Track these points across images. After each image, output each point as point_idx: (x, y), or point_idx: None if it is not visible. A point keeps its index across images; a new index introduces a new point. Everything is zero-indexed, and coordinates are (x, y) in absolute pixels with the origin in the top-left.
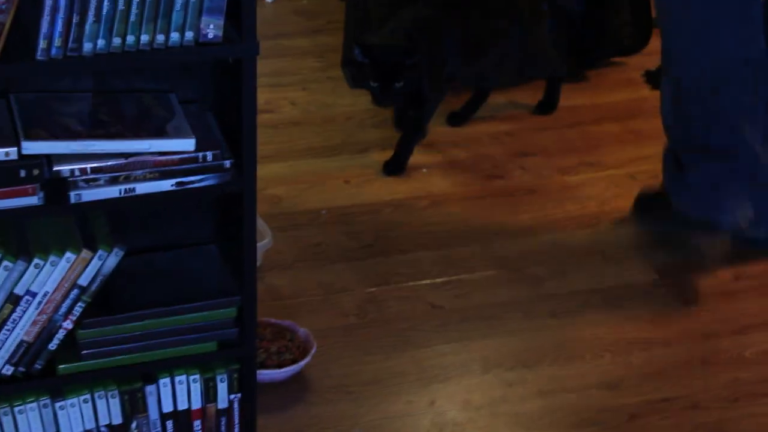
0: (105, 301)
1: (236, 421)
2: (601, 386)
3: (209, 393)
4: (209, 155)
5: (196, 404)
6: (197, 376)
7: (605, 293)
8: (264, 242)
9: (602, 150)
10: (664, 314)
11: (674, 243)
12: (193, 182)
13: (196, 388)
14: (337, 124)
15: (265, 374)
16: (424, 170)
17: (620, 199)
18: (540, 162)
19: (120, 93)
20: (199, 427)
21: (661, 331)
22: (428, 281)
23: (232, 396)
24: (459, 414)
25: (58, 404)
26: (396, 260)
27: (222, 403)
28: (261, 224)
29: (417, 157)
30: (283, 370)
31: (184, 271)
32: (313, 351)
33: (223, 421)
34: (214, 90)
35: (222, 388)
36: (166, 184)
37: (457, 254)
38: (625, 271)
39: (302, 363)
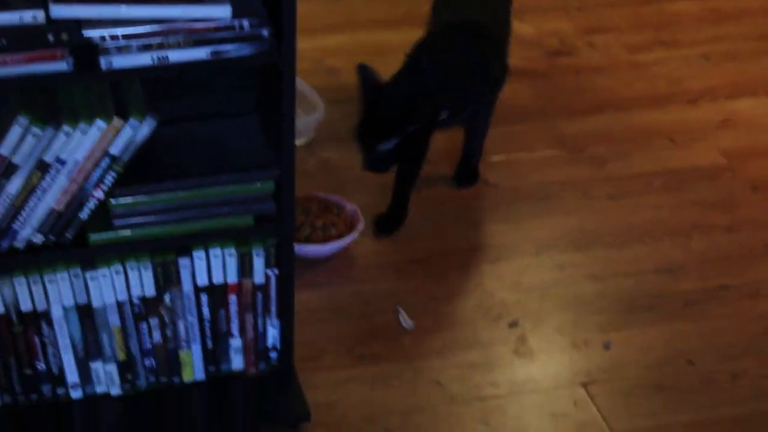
0: (140, 170)
1: (273, 296)
2: (659, 271)
3: (245, 267)
4: (246, 23)
5: (232, 278)
6: (233, 250)
7: (669, 176)
8: (316, 115)
9: (677, 28)
10: (729, 200)
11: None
12: (228, 51)
13: (232, 262)
14: None
15: (309, 249)
16: None
17: (692, 80)
18: (610, 39)
19: None
20: (235, 302)
21: (725, 217)
22: (485, 158)
23: (269, 271)
24: (507, 295)
25: (89, 274)
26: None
27: (258, 278)
28: (314, 96)
29: None
30: (328, 245)
31: (223, 141)
32: (360, 227)
33: (260, 296)
34: None
35: (258, 262)
36: (201, 53)
37: (517, 132)
38: (692, 154)
39: (348, 239)
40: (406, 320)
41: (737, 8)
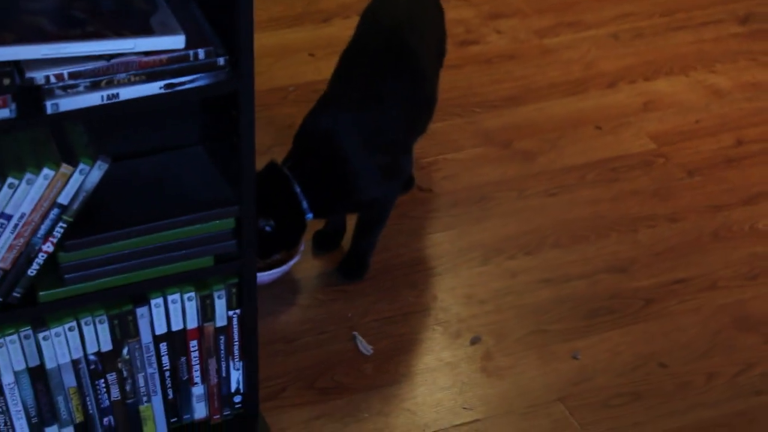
0: (87, 218)
1: (236, 338)
2: (611, 270)
3: (206, 311)
4: (201, 52)
5: (192, 324)
6: (192, 294)
7: (602, 166)
8: None
9: (580, 8)
10: (667, 187)
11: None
12: (183, 83)
13: (192, 307)
14: None
15: None
16: None
17: (605, 61)
18: (516, 24)
19: None
20: (196, 348)
21: (666, 206)
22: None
23: (231, 312)
24: (462, 309)
25: (41, 334)
26: None
27: (220, 320)
28: None
29: None
30: (271, 272)
31: (172, 177)
32: (301, 249)
33: (222, 339)
34: None
35: (220, 305)
36: (154, 87)
37: (439, 130)
38: (621, 141)
39: (291, 263)
40: (364, 346)
41: None
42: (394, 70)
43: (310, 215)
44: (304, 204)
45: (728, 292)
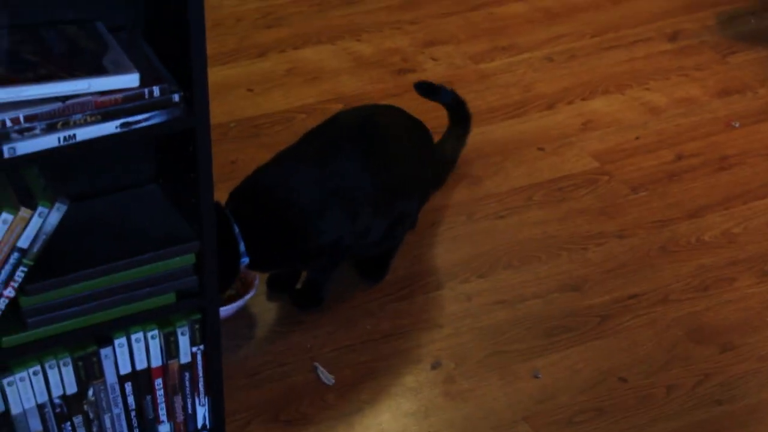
0: (47, 260)
1: (200, 374)
2: (564, 288)
3: (170, 348)
4: (156, 90)
5: (156, 362)
6: (156, 332)
7: (547, 187)
8: None
9: (512, 31)
10: (613, 205)
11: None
12: (139, 121)
13: (155, 345)
14: (227, 27)
15: None
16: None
17: (542, 83)
18: (451, 50)
19: (39, 26)
20: (161, 386)
21: (614, 222)
22: None
23: (194, 348)
24: (421, 335)
25: (5, 380)
26: None
27: (184, 357)
28: None
29: (318, 56)
30: (226, 307)
31: (130, 216)
32: (256, 282)
33: (187, 376)
34: (145, 12)
35: (183, 341)
36: (110, 126)
37: None
38: (564, 161)
39: (246, 297)
40: (326, 376)
41: (566, 6)
42: (360, 143)
43: (245, 259)
44: (242, 246)
45: (680, 305)
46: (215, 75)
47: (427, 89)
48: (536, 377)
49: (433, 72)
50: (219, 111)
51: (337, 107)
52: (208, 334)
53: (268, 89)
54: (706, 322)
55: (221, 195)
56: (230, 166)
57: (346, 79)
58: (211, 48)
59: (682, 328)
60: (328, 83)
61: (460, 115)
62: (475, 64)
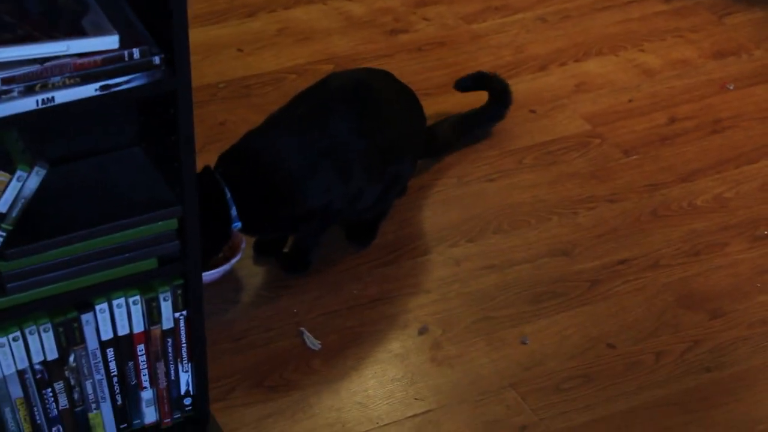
0: (27, 225)
1: (183, 340)
2: (554, 253)
3: (152, 314)
4: (136, 52)
5: (138, 327)
6: (137, 297)
7: (538, 150)
8: None
9: None
10: (604, 168)
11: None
12: (119, 84)
13: (137, 310)
14: None
15: None
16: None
17: (535, 44)
18: (443, 10)
19: None
20: (143, 352)
21: (605, 186)
22: None
23: (177, 314)
24: (409, 300)
25: None
26: None
27: (167, 323)
28: None
29: (309, 15)
30: (214, 271)
31: (111, 180)
32: (242, 246)
33: (170, 342)
34: None
35: (166, 307)
36: (90, 89)
37: None
38: (556, 124)
39: (233, 261)
40: (311, 341)
41: None
42: (353, 105)
43: (237, 224)
44: (233, 211)
45: (671, 270)
46: (205, 35)
47: (471, 82)
48: (524, 343)
49: (425, 32)
50: (209, 71)
51: (329, 68)
52: (190, 300)
53: (258, 49)
54: (696, 287)
55: (210, 157)
56: (219, 128)
57: (337, 39)
58: (201, 7)
59: (672, 294)
60: (320, 43)
61: (498, 101)
62: (467, 25)
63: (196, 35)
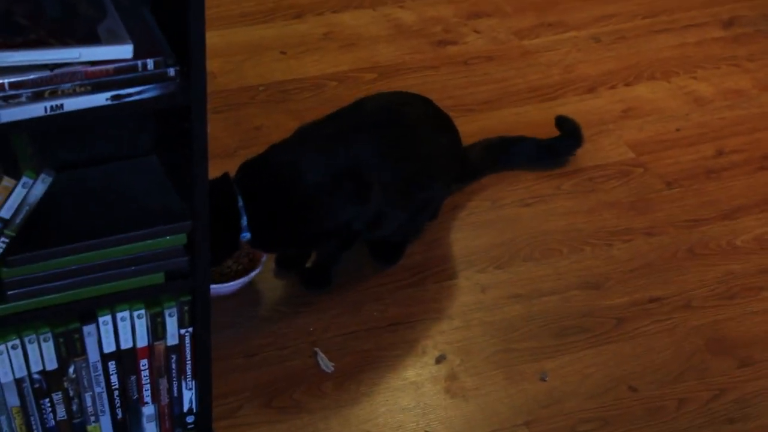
0: (31, 231)
1: (188, 357)
2: (583, 286)
3: (157, 329)
4: (150, 63)
5: (142, 342)
6: (142, 311)
7: (578, 176)
8: None
9: (561, 8)
10: (645, 199)
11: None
12: (131, 95)
13: (142, 324)
14: None
15: (212, 289)
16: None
17: (585, 64)
18: (495, 24)
19: None
20: (146, 367)
21: (644, 218)
22: None
23: (183, 330)
24: (429, 325)
25: None
26: None
27: (172, 339)
28: None
29: (357, 21)
30: (231, 283)
31: (122, 189)
32: (263, 259)
33: (174, 358)
34: None
35: (171, 323)
36: (100, 98)
37: None
38: (599, 149)
39: (252, 274)
40: (325, 363)
41: None
42: (382, 130)
43: (246, 234)
44: (244, 220)
45: (703, 312)
46: (250, 35)
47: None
48: (543, 380)
49: (474, 45)
50: (250, 73)
51: (371, 77)
52: (197, 316)
53: (301, 53)
54: (728, 333)
55: (240, 162)
56: (254, 132)
57: (383, 48)
58: (248, 6)
59: (702, 337)
60: (365, 51)
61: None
62: (518, 40)
63: (241, 35)
